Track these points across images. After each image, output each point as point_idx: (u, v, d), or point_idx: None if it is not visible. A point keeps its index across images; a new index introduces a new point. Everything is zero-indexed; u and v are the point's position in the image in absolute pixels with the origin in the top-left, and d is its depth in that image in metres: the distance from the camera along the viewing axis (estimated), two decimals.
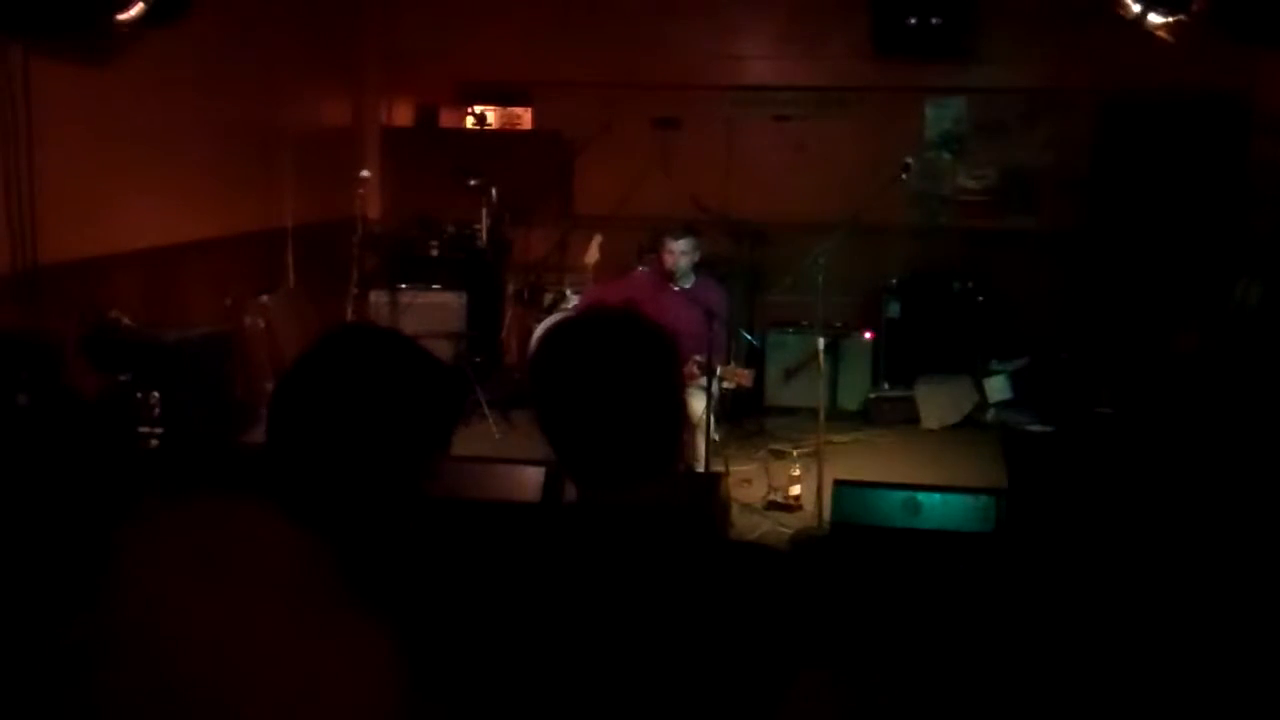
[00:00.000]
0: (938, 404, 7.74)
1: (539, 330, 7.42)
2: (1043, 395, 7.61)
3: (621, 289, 6.35)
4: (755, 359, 7.54)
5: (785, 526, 5.79)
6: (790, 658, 1.54)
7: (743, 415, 7.40)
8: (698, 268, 6.23)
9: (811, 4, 8.61)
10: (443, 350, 7.69)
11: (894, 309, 8.19)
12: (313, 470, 1.53)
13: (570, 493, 1.67)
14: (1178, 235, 7.61)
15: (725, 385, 6.27)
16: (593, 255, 7.42)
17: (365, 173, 6.74)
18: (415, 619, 1.58)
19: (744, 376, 5.79)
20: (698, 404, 5.76)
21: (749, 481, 6.42)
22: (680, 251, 6.03)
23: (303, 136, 7.99)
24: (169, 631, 1.45)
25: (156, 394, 5.14)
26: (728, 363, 6.08)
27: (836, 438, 6.95)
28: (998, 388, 7.76)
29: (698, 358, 5.61)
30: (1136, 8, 5.98)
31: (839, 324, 7.90)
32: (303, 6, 7.93)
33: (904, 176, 6.38)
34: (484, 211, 7.91)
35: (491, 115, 9.05)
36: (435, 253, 8.02)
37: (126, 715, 1.45)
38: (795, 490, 6.01)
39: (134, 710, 1.45)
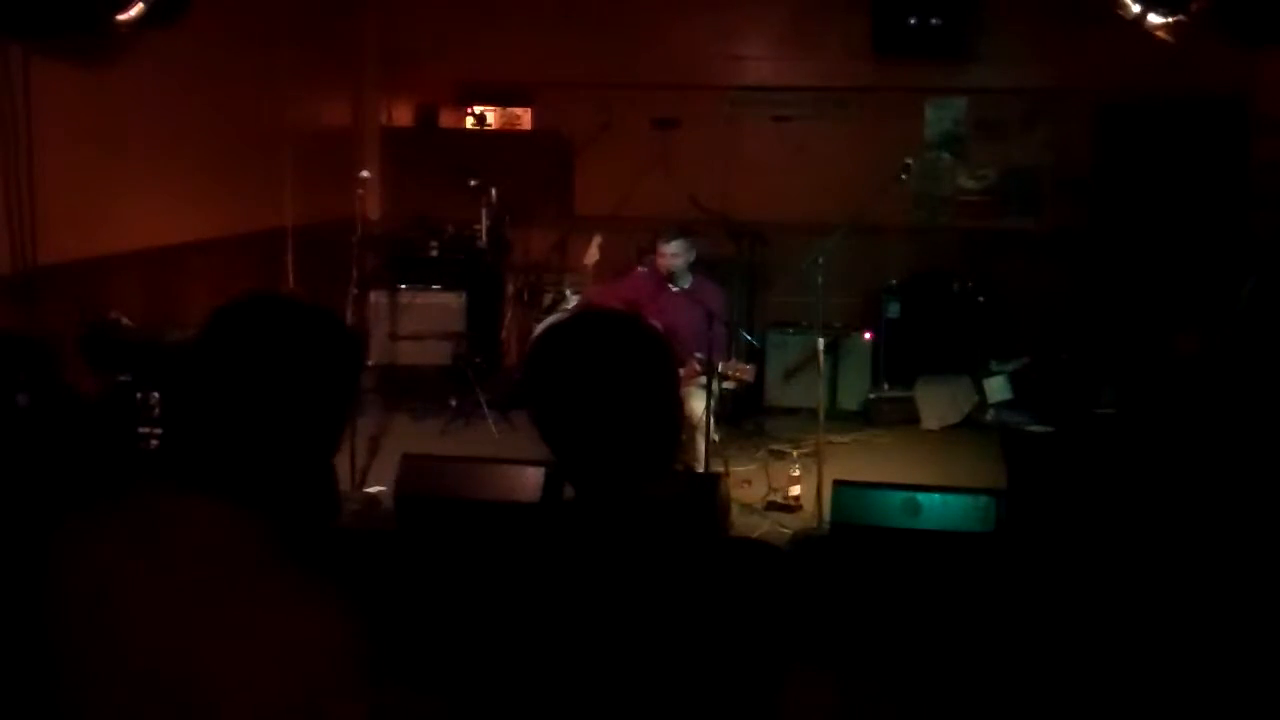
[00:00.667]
0: (937, 404, 7.73)
1: (538, 331, 7.44)
2: (1042, 395, 7.60)
3: (621, 289, 6.35)
4: (755, 359, 7.53)
5: (785, 527, 5.79)
6: (789, 656, 1.54)
7: (743, 415, 7.40)
8: (695, 267, 6.23)
9: (811, 4, 8.61)
10: (442, 350, 7.69)
11: (894, 309, 8.19)
12: (223, 441, 1.53)
13: (569, 492, 1.67)
14: (1178, 236, 7.61)
15: (726, 386, 6.27)
16: (592, 255, 7.42)
17: (365, 173, 6.72)
18: (414, 617, 1.58)
19: (745, 372, 5.85)
20: (698, 404, 5.76)
21: (749, 482, 6.42)
22: (672, 254, 6.05)
23: (303, 136, 7.98)
24: (121, 623, 1.48)
25: (156, 394, 5.14)
26: (728, 360, 6.09)
27: (836, 438, 6.95)
28: (997, 388, 7.76)
29: (699, 355, 5.62)
30: (1136, 8, 5.98)
31: (839, 324, 7.89)
32: (303, 6, 7.93)
33: (904, 177, 6.38)
34: (484, 211, 7.91)
35: (491, 115, 9.05)
36: (435, 253, 8.02)
37: (101, 705, 1.48)
38: (795, 490, 6.01)
39: (106, 699, 1.47)
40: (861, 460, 6.83)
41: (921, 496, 5.04)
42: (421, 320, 7.67)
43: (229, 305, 1.60)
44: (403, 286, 7.75)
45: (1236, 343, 5.82)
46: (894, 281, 8.30)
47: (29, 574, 1.54)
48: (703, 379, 5.68)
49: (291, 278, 7.66)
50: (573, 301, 7.36)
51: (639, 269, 6.98)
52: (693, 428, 5.79)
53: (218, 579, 1.48)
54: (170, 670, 1.45)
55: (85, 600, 1.50)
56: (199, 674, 1.44)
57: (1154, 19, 5.96)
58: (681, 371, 5.63)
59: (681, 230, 6.19)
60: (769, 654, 1.53)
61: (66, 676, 1.50)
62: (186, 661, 1.45)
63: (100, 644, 1.48)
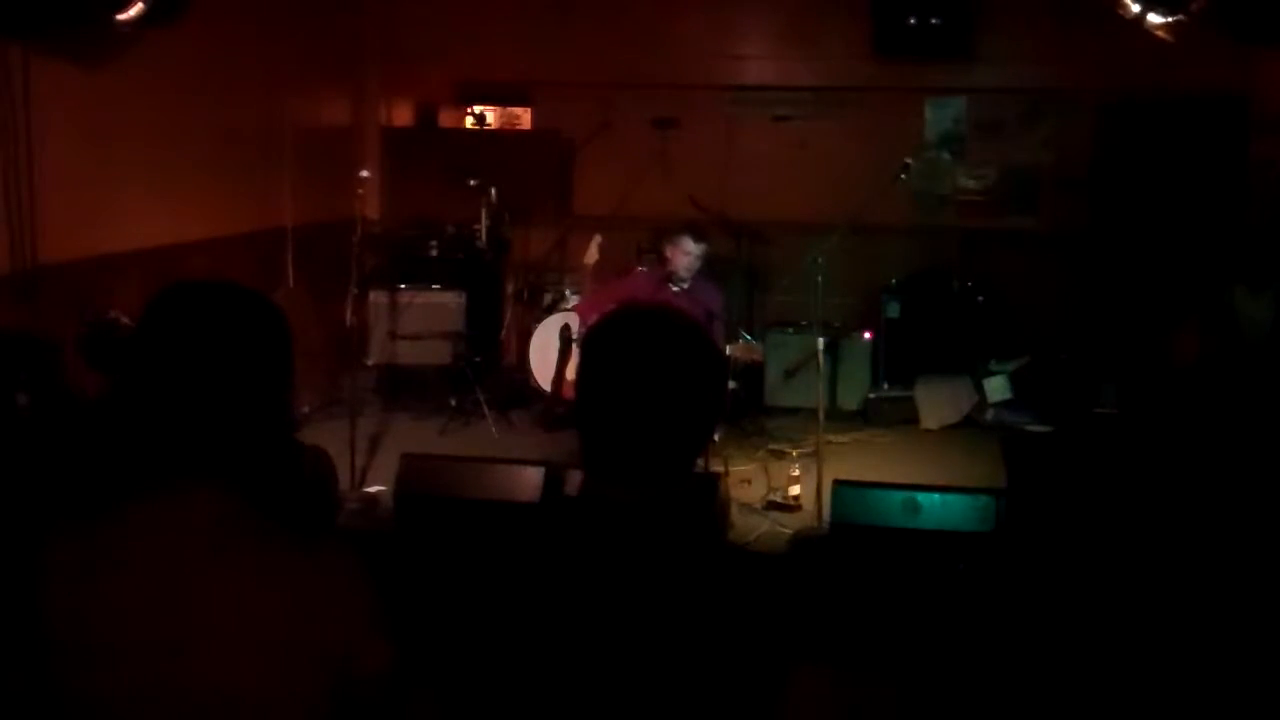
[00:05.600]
0: (937, 404, 7.74)
1: (539, 327, 7.44)
2: (1042, 395, 7.61)
3: (621, 289, 6.35)
4: None
5: (785, 526, 5.79)
6: (789, 656, 1.54)
7: (743, 415, 7.40)
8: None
9: (811, 4, 8.61)
10: (442, 350, 7.69)
11: (893, 309, 8.19)
12: (180, 423, 1.58)
13: (573, 489, 1.68)
14: (1177, 235, 7.61)
15: (731, 384, 6.28)
16: (592, 255, 7.41)
17: (365, 173, 6.73)
18: (413, 617, 1.59)
19: (754, 350, 6.03)
20: None
21: (749, 481, 6.42)
22: (696, 255, 6.05)
23: (303, 136, 7.98)
24: (124, 613, 1.50)
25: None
26: (735, 343, 6.14)
27: (836, 438, 6.95)
28: (997, 388, 7.76)
29: None
30: (1136, 8, 5.98)
31: (838, 324, 7.90)
32: (303, 6, 7.93)
33: (904, 176, 6.37)
34: (484, 211, 7.91)
35: (491, 115, 9.05)
36: (435, 253, 8.02)
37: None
38: (795, 490, 6.01)
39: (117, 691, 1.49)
40: (861, 460, 6.84)
41: (921, 496, 5.04)
42: (421, 320, 7.67)
43: (161, 294, 1.63)
44: (403, 286, 7.75)
45: (1237, 349, 5.81)
46: (894, 281, 8.30)
47: (27, 575, 1.56)
48: None
49: (291, 278, 7.66)
50: (572, 301, 7.36)
51: (639, 269, 6.98)
52: None
53: (217, 555, 1.52)
54: (188, 650, 1.48)
55: (84, 596, 1.51)
56: (216, 647, 1.48)
57: (1154, 19, 5.96)
58: None
59: (704, 234, 6.22)
60: (768, 655, 1.53)
61: (72, 673, 1.51)
62: (201, 640, 1.48)
63: (105, 636, 1.49)
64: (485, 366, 7.77)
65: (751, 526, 5.78)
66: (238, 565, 1.51)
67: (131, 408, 1.60)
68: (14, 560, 1.59)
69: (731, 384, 6.44)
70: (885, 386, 7.94)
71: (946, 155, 8.67)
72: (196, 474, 1.56)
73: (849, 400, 7.87)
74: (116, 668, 1.49)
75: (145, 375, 1.60)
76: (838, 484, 5.31)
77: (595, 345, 1.66)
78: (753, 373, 7.23)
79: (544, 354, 7.34)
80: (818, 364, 5.88)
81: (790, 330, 7.98)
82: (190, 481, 1.56)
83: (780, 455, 6.85)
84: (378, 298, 7.68)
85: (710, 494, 5.19)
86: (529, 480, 5.20)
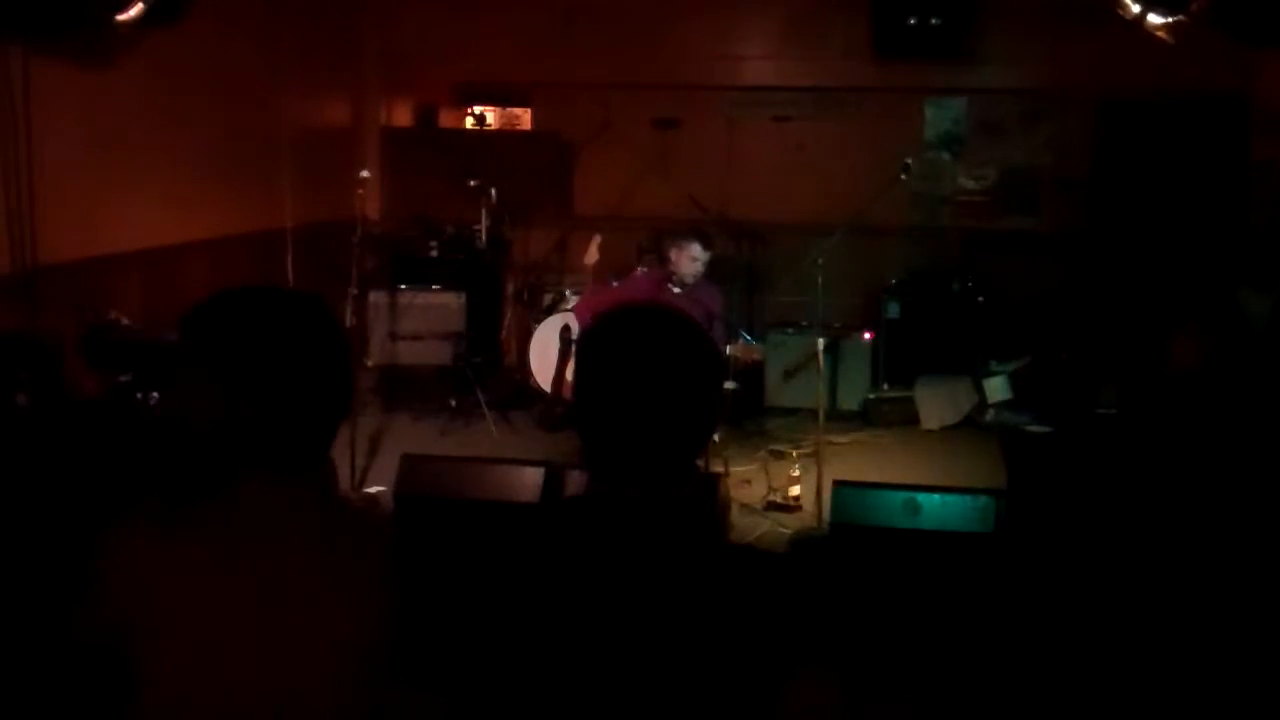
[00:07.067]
0: (937, 404, 7.73)
1: (539, 328, 7.44)
2: (1042, 395, 7.61)
3: (621, 290, 6.35)
4: None
5: (785, 527, 5.79)
6: (793, 657, 1.54)
7: (743, 415, 7.40)
8: None
9: (811, 4, 8.61)
10: (442, 350, 7.69)
11: (893, 309, 8.19)
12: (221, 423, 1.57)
13: (573, 489, 1.69)
14: (1177, 235, 7.62)
15: (728, 386, 6.27)
16: (592, 255, 7.42)
17: (365, 173, 6.72)
18: (413, 617, 1.59)
19: (755, 351, 6.08)
20: None
21: (749, 482, 6.42)
22: (702, 261, 6.04)
23: (303, 136, 7.99)
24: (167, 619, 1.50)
25: (156, 394, 5.14)
26: (735, 343, 6.14)
27: (836, 438, 6.95)
28: (997, 388, 7.76)
29: None
30: (1136, 8, 5.98)
31: (838, 324, 7.89)
32: (303, 6, 7.93)
33: (904, 177, 6.37)
34: (484, 212, 7.91)
35: (491, 116, 9.05)
36: (435, 253, 8.02)
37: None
38: (795, 491, 6.01)
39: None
40: (861, 460, 6.84)
41: (921, 497, 5.04)
42: (421, 320, 7.67)
43: (224, 294, 1.62)
44: (403, 286, 7.75)
45: (1239, 352, 5.81)
46: (894, 281, 8.30)
47: (42, 572, 1.56)
48: None
49: (291, 278, 7.66)
50: (572, 301, 7.36)
51: (639, 269, 6.98)
52: None
53: (262, 555, 1.53)
54: (224, 648, 1.49)
55: (138, 596, 1.52)
56: (250, 646, 1.49)
57: (1154, 19, 5.96)
58: None
59: (709, 240, 6.20)
60: (769, 655, 1.53)
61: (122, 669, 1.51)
62: (234, 638, 1.49)
63: (154, 635, 1.50)
64: (485, 367, 7.76)
65: (751, 527, 5.77)
66: (275, 567, 1.51)
67: (186, 410, 1.58)
68: (14, 559, 1.59)
69: (732, 384, 6.44)
70: (885, 387, 7.94)
71: (946, 155, 8.68)
72: (253, 476, 1.56)
73: (849, 401, 7.87)
74: (163, 665, 1.49)
75: (205, 379, 1.57)
76: (838, 484, 5.30)
77: (591, 344, 1.66)
78: (753, 373, 7.22)
79: (544, 354, 7.34)
80: (818, 364, 5.88)
81: (790, 330, 7.98)
82: (250, 482, 1.55)
83: (780, 456, 6.84)
84: (378, 298, 7.68)
85: (711, 494, 5.19)
86: (529, 481, 5.19)
